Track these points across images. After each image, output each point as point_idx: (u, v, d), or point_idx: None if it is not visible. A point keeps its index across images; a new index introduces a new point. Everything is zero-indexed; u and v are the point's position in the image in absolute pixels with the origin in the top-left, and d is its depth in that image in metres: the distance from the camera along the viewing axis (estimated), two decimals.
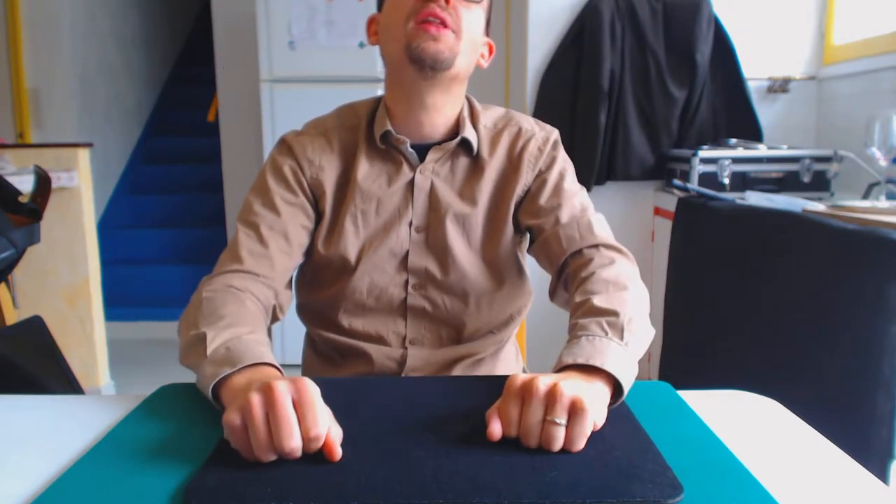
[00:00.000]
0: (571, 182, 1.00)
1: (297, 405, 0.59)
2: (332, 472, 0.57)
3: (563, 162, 1.01)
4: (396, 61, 0.92)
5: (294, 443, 0.58)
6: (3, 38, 3.42)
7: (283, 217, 0.95)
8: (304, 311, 1.07)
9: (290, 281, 0.99)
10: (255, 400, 0.59)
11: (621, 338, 0.75)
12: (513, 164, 0.99)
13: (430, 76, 0.91)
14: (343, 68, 2.78)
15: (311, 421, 0.58)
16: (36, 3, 3.46)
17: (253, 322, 0.81)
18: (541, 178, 0.99)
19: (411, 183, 0.97)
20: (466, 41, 0.91)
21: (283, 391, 0.59)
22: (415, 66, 0.90)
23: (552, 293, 0.98)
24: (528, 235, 1.03)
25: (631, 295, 0.83)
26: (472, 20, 0.92)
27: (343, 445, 0.61)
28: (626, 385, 0.70)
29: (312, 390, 0.60)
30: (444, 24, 0.88)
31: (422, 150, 0.97)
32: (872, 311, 1.40)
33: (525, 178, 0.98)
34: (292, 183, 0.97)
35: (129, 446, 0.64)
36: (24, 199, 1.66)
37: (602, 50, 2.48)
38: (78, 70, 3.63)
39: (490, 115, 1.02)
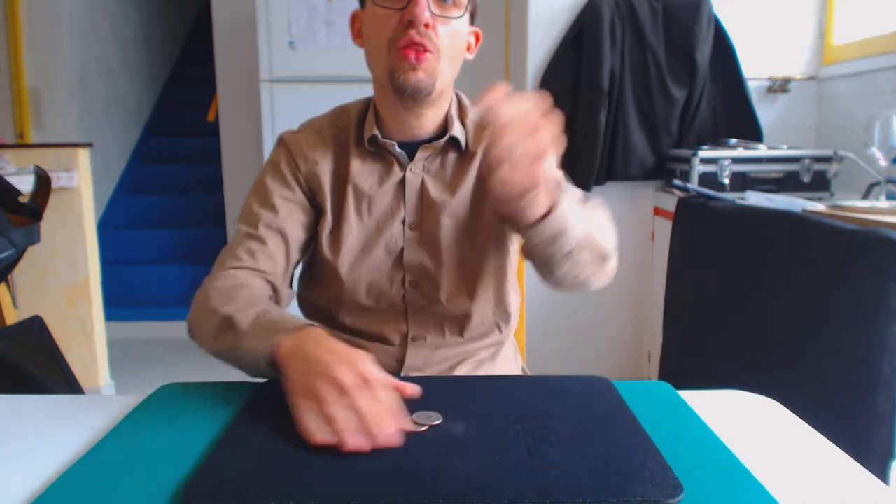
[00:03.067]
0: (553, 163, 1.01)
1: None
2: (332, 472, 0.57)
3: None
4: (381, 83, 0.94)
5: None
6: (3, 38, 3.42)
7: (280, 215, 0.96)
8: (305, 308, 1.07)
9: (291, 279, 0.99)
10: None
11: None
12: None
13: (412, 106, 0.94)
14: (343, 68, 2.78)
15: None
16: (36, 3, 3.46)
17: (268, 305, 0.84)
18: None
19: (402, 181, 0.98)
20: (447, 56, 0.91)
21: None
22: (397, 95, 0.92)
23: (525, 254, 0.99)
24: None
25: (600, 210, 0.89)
26: (452, 32, 0.91)
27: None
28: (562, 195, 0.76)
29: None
30: (424, 49, 0.88)
31: (411, 148, 0.98)
32: (872, 311, 1.40)
33: None
34: (289, 179, 0.98)
35: (129, 446, 0.64)
36: (24, 199, 1.66)
37: (602, 50, 2.48)
38: (78, 70, 3.63)
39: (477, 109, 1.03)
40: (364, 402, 0.63)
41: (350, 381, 0.64)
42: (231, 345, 0.79)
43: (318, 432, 0.62)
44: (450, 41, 0.91)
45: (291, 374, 0.68)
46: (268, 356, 0.73)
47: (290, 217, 0.97)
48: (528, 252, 0.84)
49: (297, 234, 0.97)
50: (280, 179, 0.98)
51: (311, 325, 0.75)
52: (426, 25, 0.87)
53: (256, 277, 0.92)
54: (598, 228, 0.86)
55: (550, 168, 0.69)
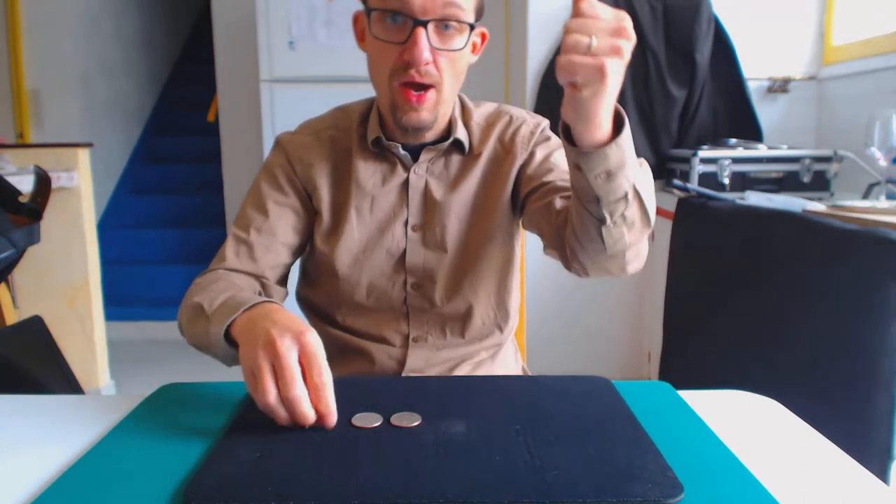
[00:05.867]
0: (563, 157, 1.00)
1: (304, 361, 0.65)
2: (332, 472, 0.57)
3: (557, 143, 1.02)
4: (384, 107, 0.94)
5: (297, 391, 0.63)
6: (3, 38, 3.42)
7: (271, 218, 0.97)
8: (305, 307, 1.07)
9: (283, 278, 1.00)
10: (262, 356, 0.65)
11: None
12: (505, 148, 1.00)
13: (412, 140, 0.95)
14: (343, 68, 2.78)
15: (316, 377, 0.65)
16: (36, 3, 3.46)
17: (245, 290, 0.86)
18: (533, 153, 1.00)
19: (406, 183, 0.98)
20: (450, 82, 0.91)
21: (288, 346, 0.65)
22: (399, 128, 0.93)
23: (550, 241, 0.92)
24: (521, 222, 1.04)
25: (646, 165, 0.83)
26: (454, 58, 0.90)
27: (343, 445, 0.61)
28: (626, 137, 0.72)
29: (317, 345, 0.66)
30: (425, 87, 0.88)
31: (415, 149, 0.98)
32: (872, 311, 1.40)
33: (520, 159, 0.99)
34: (283, 183, 0.99)
35: (129, 446, 0.64)
36: (24, 199, 1.66)
37: None
38: (78, 70, 3.63)
39: (482, 112, 1.03)
40: (295, 376, 0.64)
41: (286, 350, 0.64)
42: (201, 332, 0.80)
43: (257, 399, 0.65)
44: (451, 68, 0.90)
45: (241, 349, 0.70)
46: (226, 336, 0.75)
47: (282, 220, 0.97)
48: (576, 208, 0.79)
49: (288, 238, 0.98)
50: (274, 183, 0.99)
51: (269, 301, 0.76)
52: (426, 62, 0.86)
53: (242, 276, 0.94)
54: (647, 184, 0.79)
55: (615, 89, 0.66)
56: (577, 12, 0.64)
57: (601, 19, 0.64)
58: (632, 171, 0.74)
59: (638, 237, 0.81)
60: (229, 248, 0.96)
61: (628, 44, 0.64)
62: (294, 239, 0.99)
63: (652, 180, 0.81)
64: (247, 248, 0.95)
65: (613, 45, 0.63)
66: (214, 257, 0.97)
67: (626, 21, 0.65)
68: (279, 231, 0.97)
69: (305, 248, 1.03)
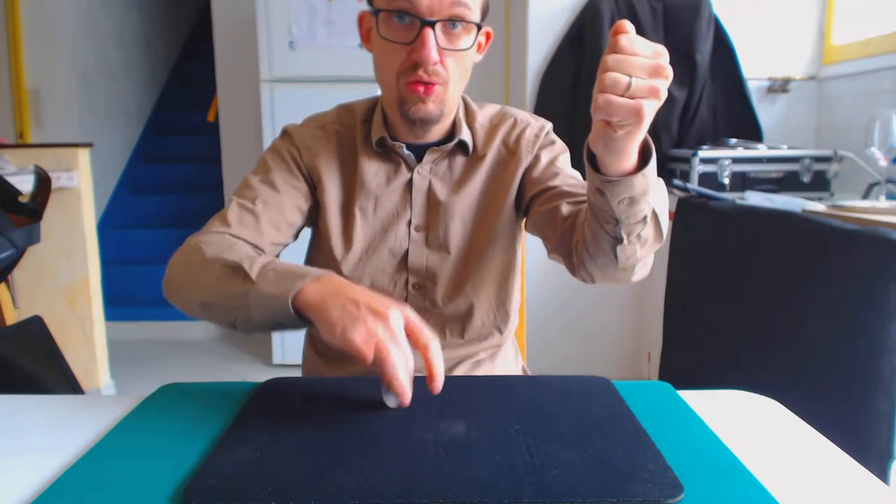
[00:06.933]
0: (568, 162, 1.02)
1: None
2: (332, 471, 0.57)
3: (561, 147, 1.03)
4: (390, 104, 0.94)
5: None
6: (3, 38, 3.42)
7: (280, 194, 0.96)
8: None
9: (279, 256, 0.99)
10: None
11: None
12: (510, 150, 1.00)
13: (420, 134, 0.95)
14: (343, 68, 2.78)
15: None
16: (36, 3, 3.46)
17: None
18: (538, 156, 1.00)
19: (409, 183, 0.98)
20: (456, 80, 0.91)
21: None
22: (406, 122, 0.92)
23: (555, 247, 0.93)
24: (524, 226, 1.04)
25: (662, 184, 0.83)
26: (461, 57, 0.90)
27: (343, 445, 0.61)
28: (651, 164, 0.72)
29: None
30: (432, 83, 0.88)
31: (419, 149, 0.98)
32: (872, 311, 1.40)
33: (525, 162, 1.00)
34: (292, 166, 0.98)
35: (129, 446, 0.64)
36: (24, 199, 1.66)
37: (602, 50, 2.48)
38: (78, 70, 3.63)
39: (486, 113, 1.03)
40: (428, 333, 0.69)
41: (398, 319, 0.68)
42: (236, 292, 0.76)
43: (373, 352, 0.66)
44: (458, 68, 0.90)
45: (331, 315, 0.69)
46: (286, 300, 0.71)
47: (290, 199, 0.96)
48: (591, 225, 0.79)
49: (294, 218, 0.97)
50: (283, 163, 0.98)
51: (330, 273, 0.74)
52: (434, 63, 0.87)
53: (244, 244, 0.90)
54: (663, 203, 0.79)
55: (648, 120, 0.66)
56: (614, 47, 0.62)
57: (640, 56, 0.62)
58: (653, 196, 0.74)
59: (649, 252, 0.82)
60: (232, 214, 0.92)
61: (666, 83, 0.63)
62: (298, 221, 0.98)
63: (667, 196, 0.81)
64: (253, 217, 0.93)
65: (651, 86, 0.62)
66: (213, 218, 0.93)
67: (664, 58, 0.63)
68: (287, 209, 0.96)
69: (299, 235, 1.02)
